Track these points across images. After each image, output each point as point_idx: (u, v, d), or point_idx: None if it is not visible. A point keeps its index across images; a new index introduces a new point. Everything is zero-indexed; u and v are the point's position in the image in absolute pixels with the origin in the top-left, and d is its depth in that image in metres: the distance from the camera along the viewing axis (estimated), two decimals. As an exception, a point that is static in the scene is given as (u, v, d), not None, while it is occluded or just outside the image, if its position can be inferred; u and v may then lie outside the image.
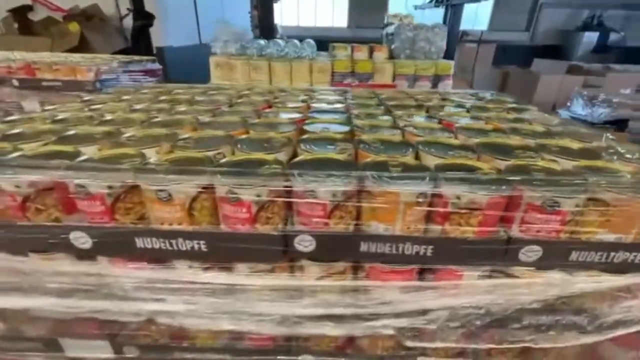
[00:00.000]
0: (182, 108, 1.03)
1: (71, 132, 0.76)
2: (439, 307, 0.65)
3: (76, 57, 2.40)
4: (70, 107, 1.06)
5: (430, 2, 7.01)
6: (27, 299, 0.66)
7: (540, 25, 11.11)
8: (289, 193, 0.57)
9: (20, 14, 4.81)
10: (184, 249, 0.58)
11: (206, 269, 0.63)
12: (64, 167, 0.54)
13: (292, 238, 0.58)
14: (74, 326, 0.74)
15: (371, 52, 2.16)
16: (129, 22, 5.32)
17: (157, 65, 2.78)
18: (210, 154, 0.66)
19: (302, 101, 1.17)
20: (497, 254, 0.58)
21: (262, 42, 2.26)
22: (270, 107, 1.10)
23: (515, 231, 0.59)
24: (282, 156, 0.68)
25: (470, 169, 0.61)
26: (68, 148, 0.65)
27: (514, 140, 0.78)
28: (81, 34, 4.70)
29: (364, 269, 0.64)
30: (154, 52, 4.94)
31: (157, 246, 0.58)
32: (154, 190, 0.54)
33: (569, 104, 4.84)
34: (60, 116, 0.90)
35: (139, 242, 0.58)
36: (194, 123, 0.87)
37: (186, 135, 0.76)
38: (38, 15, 4.84)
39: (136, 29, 4.25)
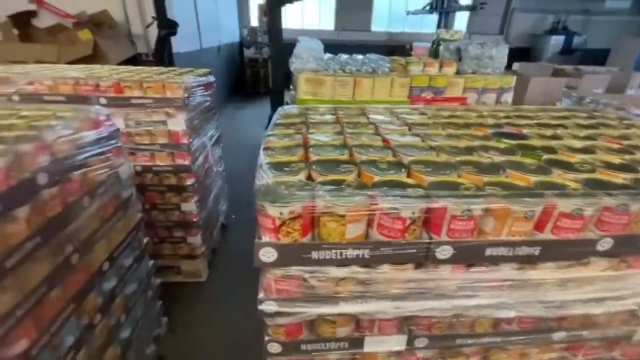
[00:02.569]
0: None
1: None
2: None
3: (165, 71, 2.40)
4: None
5: (424, 8, 7.38)
6: (369, 304, 0.81)
7: (512, 29, 11.96)
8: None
9: (21, 20, 4.54)
10: (522, 254, 0.76)
11: (519, 269, 0.81)
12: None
13: (596, 242, 0.78)
14: (380, 325, 0.88)
15: (440, 66, 2.38)
16: (135, 29, 5.19)
17: (212, 78, 2.83)
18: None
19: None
20: None
21: (343, 57, 2.41)
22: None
23: None
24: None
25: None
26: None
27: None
28: (94, 42, 4.53)
29: (627, 261, 0.85)
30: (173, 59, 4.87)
31: (502, 253, 0.75)
32: (523, 210, 0.71)
33: (558, 104, 5.39)
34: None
35: (489, 251, 0.75)
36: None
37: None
38: (45, 22, 4.59)
39: (160, 37, 4.18)
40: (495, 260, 0.78)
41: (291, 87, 2.76)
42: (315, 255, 0.73)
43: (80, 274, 1.25)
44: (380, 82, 2.23)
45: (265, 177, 0.77)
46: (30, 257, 1.01)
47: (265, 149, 0.99)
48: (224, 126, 2.90)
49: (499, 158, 0.97)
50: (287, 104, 7.48)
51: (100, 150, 1.35)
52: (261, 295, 0.78)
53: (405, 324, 0.89)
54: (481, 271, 0.79)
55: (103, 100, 2.10)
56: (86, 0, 4.83)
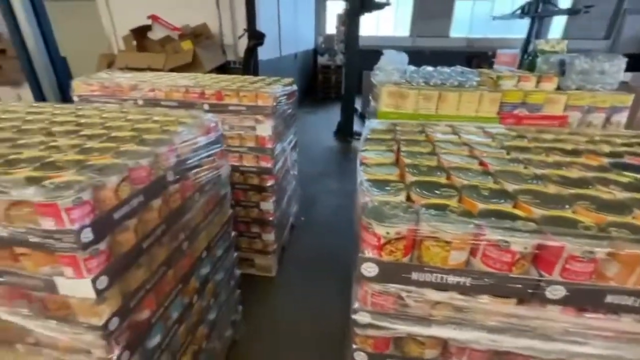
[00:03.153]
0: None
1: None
2: None
3: (256, 80, 2.62)
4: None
5: (513, 13, 6.80)
6: (463, 332, 0.80)
7: (623, 32, 10.34)
8: None
9: (140, 33, 5.35)
10: (652, 306, 0.68)
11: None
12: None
13: None
14: (471, 354, 0.86)
15: (538, 81, 2.20)
16: (227, 40, 5.75)
17: (295, 87, 3.00)
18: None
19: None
20: None
21: (427, 69, 2.38)
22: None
23: None
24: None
25: None
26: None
27: None
28: (193, 51, 5.14)
29: None
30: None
31: (626, 303, 0.69)
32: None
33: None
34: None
35: (609, 298, 0.69)
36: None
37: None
38: (158, 34, 5.37)
39: (249, 47, 4.59)
40: (616, 309, 0.71)
41: (370, 97, 2.81)
42: (415, 276, 0.75)
43: (187, 259, 1.45)
44: (468, 97, 2.14)
45: (369, 195, 0.82)
46: (158, 241, 1.21)
47: (362, 164, 1.05)
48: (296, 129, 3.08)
49: (622, 194, 0.88)
50: (357, 110, 7.51)
51: (209, 153, 1.55)
52: (356, 305, 0.83)
53: (497, 358, 0.86)
54: (597, 318, 0.73)
55: (206, 106, 2.38)
56: (190, 15, 5.52)
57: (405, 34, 11.52)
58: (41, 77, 3.38)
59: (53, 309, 0.98)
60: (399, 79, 2.35)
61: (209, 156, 1.55)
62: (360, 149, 1.20)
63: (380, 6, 4.99)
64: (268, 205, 2.63)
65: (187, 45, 5.18)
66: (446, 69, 2.33)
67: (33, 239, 0.85)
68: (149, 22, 5.36)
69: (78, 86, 2.44)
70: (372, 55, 7.59)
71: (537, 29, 6.54)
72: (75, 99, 2.47)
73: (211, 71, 5.41)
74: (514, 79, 2.19)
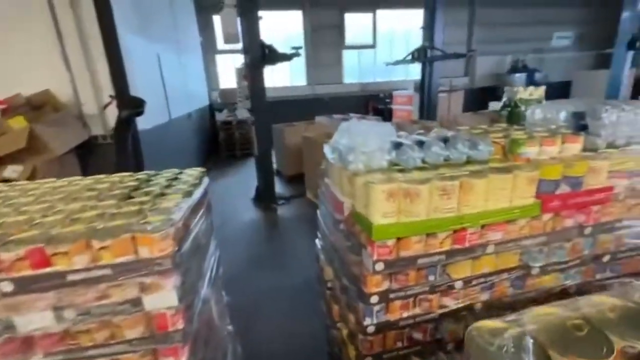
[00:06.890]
0: None
1: None
2: None
3: (131, 184, 1.35)
4: None
5: (405, 59, 7.15)
6: None
7: (476, 70, 12.43)
8: None
9: None
10: None
11: None
12: None
13: None
14: None
15: (563, 142, 1.62)
16: (88, 109, 4.18)
17: (207, 180, 1.85)
18: None
19: None
20: None
21: (416, 138, 1.57)
22: None
23: None
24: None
25: None
26: None
27: None
28: (30, 130, 3.45)
29: None
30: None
31: None
32: None
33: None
34: None
35: None
36: None
37: None
38: (-41, 111, 3.48)
39: (122, 119, 3.20)
40: None
41: (327, 181, 1.87)
42: None
43: None
44: (499, 182, 1.39)
45: None
46: None
47: None
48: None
49: None
50: (277, 171, 6.51)
51: None
52: None
53: None
54: None
55: (8, 288, 1.05)
56: (22, 80, 3.85)
57: (303, 83, 11.49)
58: None
59: None
60: (385, 163, 1.48)
61: None
62: None
63: (287, 58, 4.32)
64: None
65: (17, 122, 3.47)
66: (447, 134, 1.56)
67: None
68: (-58, 94, 3.46)
69: None
70: (278, 107, 6.85)
71: (429, 72, 6.96)
72: None
73: (69, 152, 3.77)
74: (536, 143, 1.56)
